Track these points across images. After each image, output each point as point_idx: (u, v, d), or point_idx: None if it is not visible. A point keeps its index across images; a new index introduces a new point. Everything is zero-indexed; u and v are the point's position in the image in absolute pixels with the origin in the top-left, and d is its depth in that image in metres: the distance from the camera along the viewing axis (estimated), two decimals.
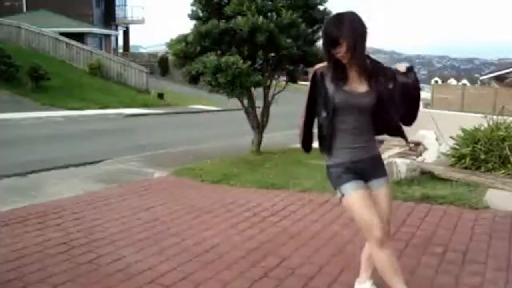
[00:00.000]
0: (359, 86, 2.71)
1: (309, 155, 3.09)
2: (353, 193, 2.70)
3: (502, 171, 6.49)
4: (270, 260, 3.76)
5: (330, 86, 2.71)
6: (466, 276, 3.54)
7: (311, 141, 2.90)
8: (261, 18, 7.72)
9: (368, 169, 2.79)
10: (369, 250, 2.94)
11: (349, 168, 2.75)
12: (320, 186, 6.10)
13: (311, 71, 2.88)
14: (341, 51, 2.61)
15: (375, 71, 2.74)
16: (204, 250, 3.96)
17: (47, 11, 30.80)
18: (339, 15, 2.69)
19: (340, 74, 2.69)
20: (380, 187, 2.82)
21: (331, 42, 2.62)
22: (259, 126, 8.86)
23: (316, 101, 2.78)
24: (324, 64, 2.76)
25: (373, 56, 2.80)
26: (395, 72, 2.77)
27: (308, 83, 2.86)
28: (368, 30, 2.67)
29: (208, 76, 7.82)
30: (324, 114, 2.73)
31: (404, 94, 2.76)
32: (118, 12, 38.36)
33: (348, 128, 2.74)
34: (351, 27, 2.62)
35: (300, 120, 2.85)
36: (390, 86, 2.74)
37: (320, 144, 2.82)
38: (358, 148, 2.77)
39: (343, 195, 2.74)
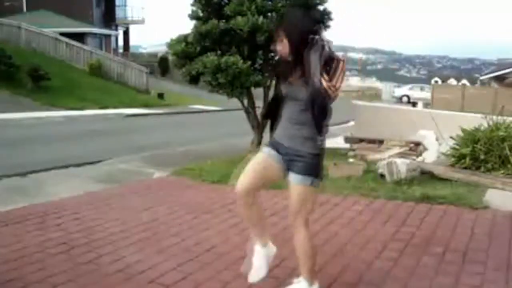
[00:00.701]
0: (297, 81, 2.91)
1: None
2: (260, 153, 3.11)
3: (502, 171, 6.49)
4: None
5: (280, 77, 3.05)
6: (466, 276, 3.54)
7: (270, 118, 3.20)
8: (261, 18, 7.72)
9: (288, 158, 2.99)
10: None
11: (274, 143, 3.06)
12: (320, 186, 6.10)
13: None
14: (281, 48, 2.89)
15: (311, 67, 2.86)
16: (204, 250, 3.96)
17: (47, 11, 30.78)
18: (283, 17, 2.97)
19: (283, 68, 2.97)
20: (291, 181, 3.00)
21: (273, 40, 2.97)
22: (259, 126, 8.86)
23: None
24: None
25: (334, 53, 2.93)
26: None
27: None
28: (306, 27, 2.89)
29: (208, 76, 7.83)
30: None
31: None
32: (118, 12, 38.34)
33: (284, 116, 3.03)
34: (288, 27, 2.89)
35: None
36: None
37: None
38: (287, 134, 3.00)
39: None
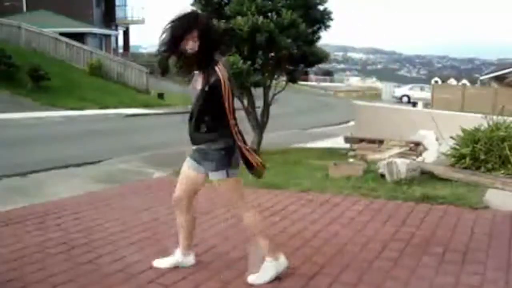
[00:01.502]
0: (196, 82, 3.20)
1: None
2: (183, 166, 3.59)
3: (502, 171, 6.49)
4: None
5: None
6: (466, 276, 3.54)
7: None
8: (261, 18, 7.73)
9: (196, 156, 3.46)
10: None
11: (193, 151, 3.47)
12: (320, 186, 6.10)
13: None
14: (187, 47, 3.04)
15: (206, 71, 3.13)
16: (204, 250, 3.95)
17: (47, 11, 30.79)
18: (193, 15, 3.17)
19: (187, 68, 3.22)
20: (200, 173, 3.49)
21: (182, 39, 3.03)
22: (259, 126, 8.86)
23: None
24: None
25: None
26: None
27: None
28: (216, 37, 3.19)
29: None
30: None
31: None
32: (118, 12, 38.35)
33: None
34: (203, 28, 3.06)
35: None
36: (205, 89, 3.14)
37: None
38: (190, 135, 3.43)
39: None
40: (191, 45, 3.04)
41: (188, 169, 3.52)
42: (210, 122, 3.24)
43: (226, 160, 3.29)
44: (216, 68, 3.10)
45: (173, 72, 3.23)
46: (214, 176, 3.37)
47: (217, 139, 3.26)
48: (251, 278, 3.34)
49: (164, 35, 3.08)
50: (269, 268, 3.33)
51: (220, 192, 3.43)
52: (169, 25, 3.06)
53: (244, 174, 3.50)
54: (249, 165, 3.34)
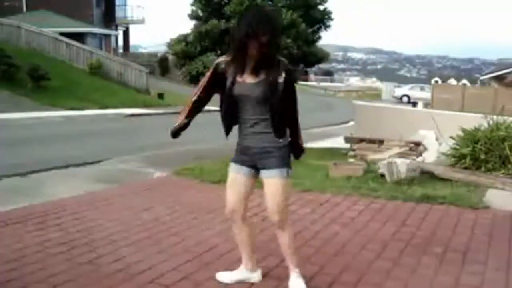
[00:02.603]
0: (251, 78, 2.94)
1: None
2: (230, 173, 3.20)
3: (502, 171, 6.49)
4: (270, 260, 3.76)
5: (231, 76, 2.98)
6: (466, 276, 3.54)
7: (182, 129, 3.37)
8: None
9: (256, 158, 3.07)
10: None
11: (240, 151, 3.15)
12: (320, 186, 6.10)
13: (216, 62, 3.09)
14: (261, 45, 2.83)
15: (271, 65, 2.94)
16: (204, 250, 3.96)
17: (47, 11, 30.79)
18: (264, 11, 2.98)
19: (239, 64, 2.94)
20: (266, 178, 3.07)
21: (254, 35, 2.81)
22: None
23: (211, 90, 3.19)
24: (226, 56, 3.03)
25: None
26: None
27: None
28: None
29: None
30: (226, 102, 3.08)
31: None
32: (118, 12, 38.34)
33: (245, 115, 3.06)
34: (274, 24, 2.90)
35: (190, 99, 3.29)
36: (280, 80, 2.94)
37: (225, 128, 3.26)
38: (248, 135, 3.08)
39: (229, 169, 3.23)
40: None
41: (239, 176, 3.17)
42: (278, 119, 3.00)
43: (288, 158, 3.10)
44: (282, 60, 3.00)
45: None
46: (273, 173, 3.04)
47: (283, 137, 3.07)
48: None
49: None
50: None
51: (270, 193, 3.06)
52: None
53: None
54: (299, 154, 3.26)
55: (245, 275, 3.37)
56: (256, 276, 3.39)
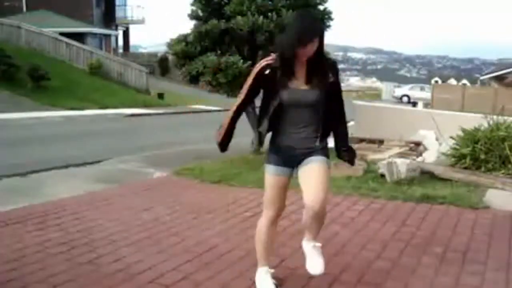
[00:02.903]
0: (304, 84, 2.89)
1: None
2: (273, 176, 3.07)
3: (502, 171, 6.49)
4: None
5: (278, 83, 2.88)
6: (466, 276, 3.54)
7: (229, 140, 3.16)
8: (261, 18, 7.72)
9: (299, 158, 3.00)
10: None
11: (280, 152, 3.04)
12: None
13: (258, 64, 2.99)
14: (311, 50, 2.78)
15: (323, 69, 2.91)
16: (204, 250, 3.96)
17: (47, 11, 30.78)
18: (311, 14, 2.97)
19: (290, 70, 2.87)
20: (313, 164, 2.98)
21: (306, 41, 2.75)
22: (259, 126, 8.85)
23: (253, 96, 3.07)
24: (270, 60, 2.92)
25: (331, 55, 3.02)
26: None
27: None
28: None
29: (208, 76, 7.83)
30: (272, 106, 2.95)
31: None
32: (118, 12, 38.32)
33: (293, 120, 2.96)
34: (321, 28, 2.86)
35: (230, 112, 3.12)
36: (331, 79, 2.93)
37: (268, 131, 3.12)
38: (292, 139, 2.99)
39: (266, 171, 3.11)
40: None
41: (282, 179, 3.08)
42: (325, 123, 2.99)
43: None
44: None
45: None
46: (321, 159, 3.00)
47: (325, 140, 3.06)
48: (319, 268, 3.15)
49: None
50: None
51: (317, 180, 2.96)
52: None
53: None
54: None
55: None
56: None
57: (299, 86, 2.89)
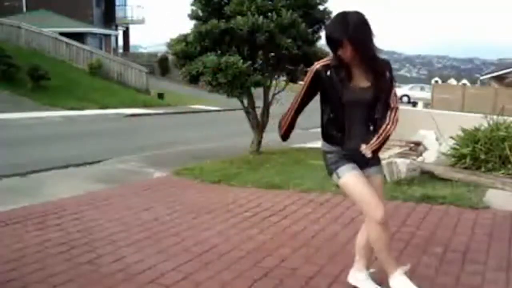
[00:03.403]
0: (362, 83, 2.88)
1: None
2: (353, 177, 2.92)
3: (502, 171, 6.49)
4: (270, 260, 3.76)
5: (337, 84, 2.87)
6: (466, 276, 3.54)
7: (291, 132, 3.16)
8: (261, 18, 7.72)
9: (366, 159, 2.92)
10: (364, 238, 3.13)
11: (346, 155, 2.95)
12: (320, 186, 6.10)
13: (313, 66, 2.99)
14: (346, 53, 2.76)
15: (378, 68, 2.89)
16: (204, 250, 3.96)
17: (47, 11, 30.78)
18: (343, 16, 2.81)
19: (345, 72, 2.85)
20: (375, 173, 3.05)
21: (335, 44, 2.76)
22: (259, 126, 8.86)
23: (311, 97, 3.01)
24: (327, 60, 2.91)
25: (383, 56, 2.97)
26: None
27: (307, 78, 2.95)
28: (372, 29, 2.84)
29: (208, 76, 7.82)
30: (332, 109, 2.94)
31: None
32: (118, 12, 38.32)
33: (353, 120, 2.91)
34: (355, 29, 2.74)
35: (288, 111, 3.09)
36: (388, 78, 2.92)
37: (327, 135, 3.02)
38: (353, 139, 2.92)
39: (339, 177, 2.98)
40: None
41: (362, 176, 2.96)
42: (380, 120, 2.94)
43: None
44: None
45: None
46: (380, 169, 3.11)
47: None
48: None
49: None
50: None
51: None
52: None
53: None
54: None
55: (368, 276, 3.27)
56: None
57: (357, 85, 2.88)
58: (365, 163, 2.98)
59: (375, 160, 3.04)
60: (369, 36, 2.82)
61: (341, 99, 2.88)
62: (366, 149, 2.87)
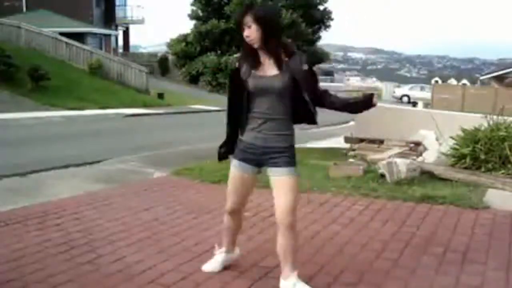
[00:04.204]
0: (270, 70, 2.93)
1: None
2: (235, 172, 3.15)
3: (502, 171, 6.49)
4: (270, 260, 3.75)
5: (246, 71, 2.96)
6: (466, 276, 3.54)
7: (232, 150, 3.18)
8: None
9: (264, 158, 3.03)
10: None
11: (246, 149, 3.06)
12: (320, 186, 6.10)
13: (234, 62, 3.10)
14: (252, 34, 2.88)
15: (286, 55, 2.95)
16: (204, 250, 3.95)
17: (47, 11, 30.79)
18: (251, 4, 3.06)
19: (252, 59, 2.95)
20: (278, 176, 3.02)
21: (243, 24, 2.89)
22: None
23: (240, 94, 3.02)
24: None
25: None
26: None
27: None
28: (280, 20, 3.04)
29: (208, 76, 7.84)
30: (239, 97, 3.00)
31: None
32: (118, 12, 38.34)
33: (258, 111, 2.98)
34: (261, 13, 2.88)
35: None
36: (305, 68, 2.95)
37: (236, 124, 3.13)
38: (258, 133, 3.00)
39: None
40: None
41: (245, 175, 3.13)
42: (292, 115, 2.99)
43: (295, 158, 3.07)
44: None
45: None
46: (286, 171, 3.00)
47: (292, 134, 3.08)
48: None
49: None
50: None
51: (283, 192, 3.00)
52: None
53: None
54: None
55: (227, 258, 3.53)
56: (235, 254, 3.59)
57: (264, 73, 2.94)
58: (260, 160, 3.04)
59: (280, 161, 2.99)
60: (276, 22, 2.96)
61: (248, 87, 2.95)
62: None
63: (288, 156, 3.01)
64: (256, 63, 2.94)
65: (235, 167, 3.15)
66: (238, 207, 3.30)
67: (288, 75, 2.92)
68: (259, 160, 3.06)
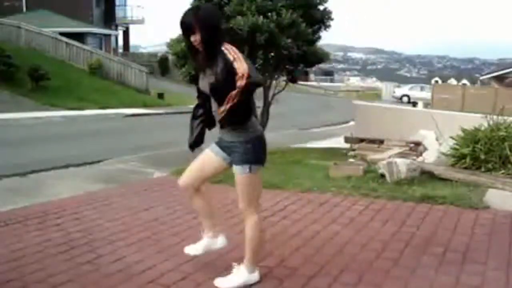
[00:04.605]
0: (209, 73, 3.08)
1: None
2: (208, 150, 3.35)
3: (502, 171, 6.49)
4: (270, 260, 3.75)
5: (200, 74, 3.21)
6: (466, 276, 3.54)
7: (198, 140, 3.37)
8: (261, 18, 7.72)
9: (227, 151, 3.26)
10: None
11: (219, 139, 3.31)
12: (320, 186, 6.10)
13: None
14: (196, 40, 3.02)
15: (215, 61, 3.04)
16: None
17: (47, 11, 30.79)
18: (197, 7, 3.20)
19: (196, 60, 3.18)
20: (234, 171, 3.23)
21: (188, 30, 3.08)
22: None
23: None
24: None
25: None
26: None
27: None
28: (219, 24, 3.17)
29: None
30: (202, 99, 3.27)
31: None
32: (118, 12, 38.34)
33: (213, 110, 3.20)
34: (205, 18, 3.04)
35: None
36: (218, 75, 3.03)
37: None
38: (222, 130, 3.24)
39: None
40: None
41: (215, 157, 3.35)
42: (229, 112, 3.10)
43: (252, 154, 3.18)
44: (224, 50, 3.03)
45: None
46: (236, 169, 3.22)
47: (244, 132, 3.23)
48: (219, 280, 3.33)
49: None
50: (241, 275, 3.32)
51: (236, 184, 3.30)
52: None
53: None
54: None
55: (208, 243, 3.54)
56: (219, 242, 3.57)
57: (206, 75, 3.12)
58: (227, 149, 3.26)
59: (234, 157, 3.20)
60: (216, 26, 3.07)
61: (199, 89, 3.22)
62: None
63: (240, 153, 3.17)
64: (199, 66, 3.19)
65: (210, 147, 3.34)
66: (191, 182, 3.36)
67: (220, 77, 3.01)
68: (228, 153, 3.27)
